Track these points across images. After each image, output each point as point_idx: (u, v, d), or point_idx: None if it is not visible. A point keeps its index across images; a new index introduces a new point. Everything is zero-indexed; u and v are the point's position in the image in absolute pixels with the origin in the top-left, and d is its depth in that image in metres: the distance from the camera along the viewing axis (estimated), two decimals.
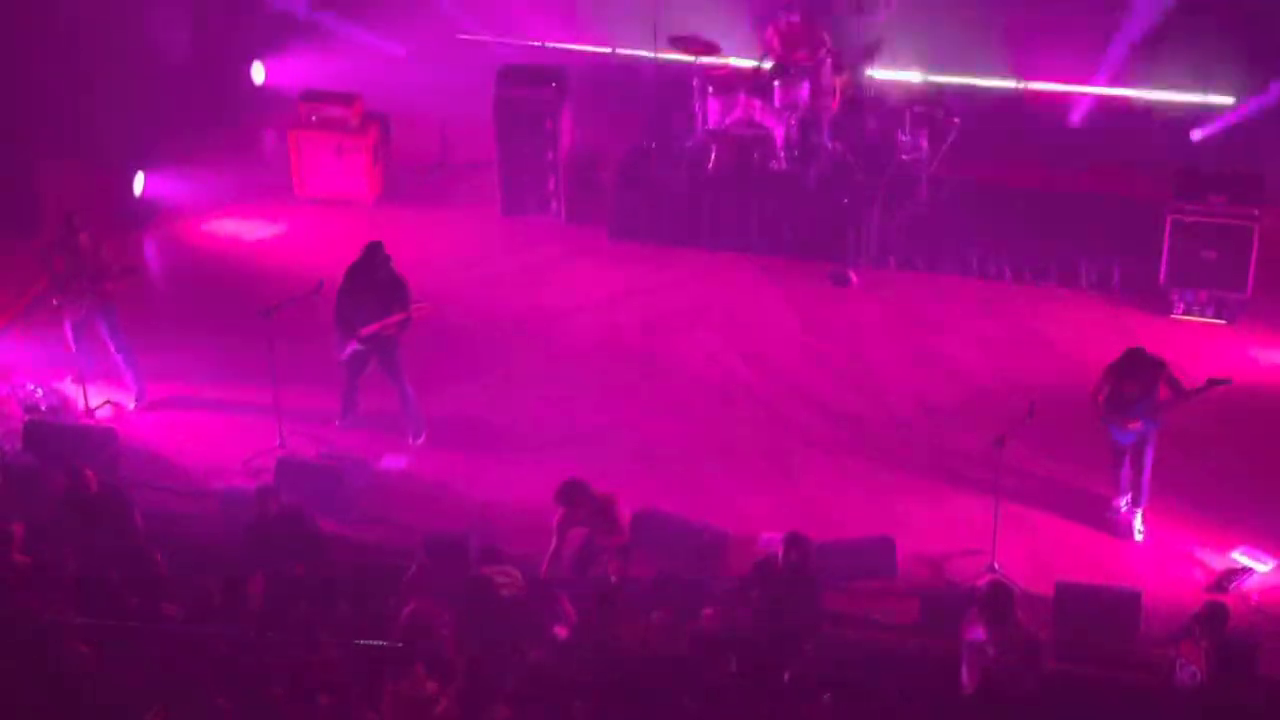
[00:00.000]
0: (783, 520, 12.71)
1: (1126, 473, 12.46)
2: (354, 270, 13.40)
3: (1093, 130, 16.82)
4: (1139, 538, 12.45)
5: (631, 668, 10.20)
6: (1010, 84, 17.08)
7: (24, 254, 15.79)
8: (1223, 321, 14.77)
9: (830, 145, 16.20)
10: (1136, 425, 12.19)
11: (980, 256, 15.60)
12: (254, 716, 9.74)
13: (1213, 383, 12.04)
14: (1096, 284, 15.32)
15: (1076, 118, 17.03)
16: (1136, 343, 14.47)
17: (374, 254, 13.31)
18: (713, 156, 16.16)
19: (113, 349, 14.04)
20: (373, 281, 13.29)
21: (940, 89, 16.95)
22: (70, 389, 14.18)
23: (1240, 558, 12.28)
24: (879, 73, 16.67)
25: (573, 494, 11.71)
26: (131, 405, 14.15)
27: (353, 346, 13.42)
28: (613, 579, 11.59)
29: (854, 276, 15.61)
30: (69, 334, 13.94)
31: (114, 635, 10.37)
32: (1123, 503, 12.57)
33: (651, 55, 17.19)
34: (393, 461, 13.57)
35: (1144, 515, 12.49)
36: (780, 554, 11.23)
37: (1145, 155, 16.23)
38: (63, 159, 16.85)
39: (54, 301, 13.88)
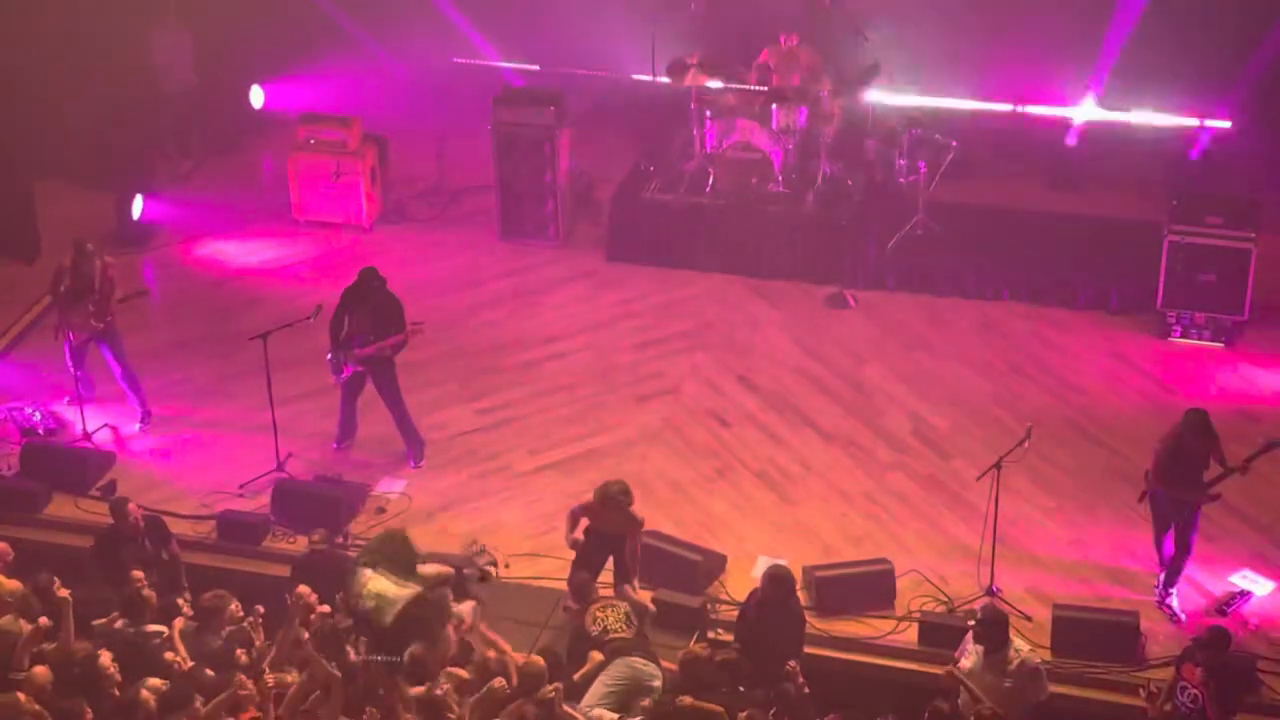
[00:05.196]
0: (780, 544, 12.75)
1: (1168, 549, 11.98)
2: (349, 294, 13.41)
3: (1090, 152, 16.85)
4: (1184, 618, 11.93)
5: None
6: (1007, 107, 17.12)
7: (23, 277, 15.84)
8: (1220, 344, 14.76)
9: (828, 168, 16.23)
10: (1186, 496, 11.75)
11: (977, 279, 15.62)
12: None
13: (1270, 445, 11.63)
14: (1093, 306, 15.33)
15: (1074, 140, 17.06)
16: (1134, 366, 14.60)
17: (369, 278, 13.32)
18: (710, 180, 16.19)
19: (117, 372, 14.03)
20: (367, 305, 13.30)
21: (937, 112, 16.97)
22: (68, 412, 14.17)
23: (1239, 581, 12.27)
24: (876, 96, 16.69)
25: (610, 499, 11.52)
26: (136, 428, 14.13)
27: (350, 369, 13.43)
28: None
29: (851, 299, 15.63)
30: (68, 356, 13.92)
31: None
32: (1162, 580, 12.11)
33: (650, 78, 17.24)
34: (390, 484, 13.55)
35: (1178, 593, 12.06)
36: (761, 588, 11.15)
37: (1143, 177, 16.26)
38: (62, 182, 16.92)
39: (56, 320, 13.87)
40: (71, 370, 13.94)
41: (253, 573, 12.58)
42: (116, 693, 9.93)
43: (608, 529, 11.64)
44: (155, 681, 9.94)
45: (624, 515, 11.55)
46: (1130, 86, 16.59)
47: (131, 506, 11.97)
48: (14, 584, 11.05)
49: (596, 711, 10.21)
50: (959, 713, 10.21)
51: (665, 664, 10.65)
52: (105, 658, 10.07)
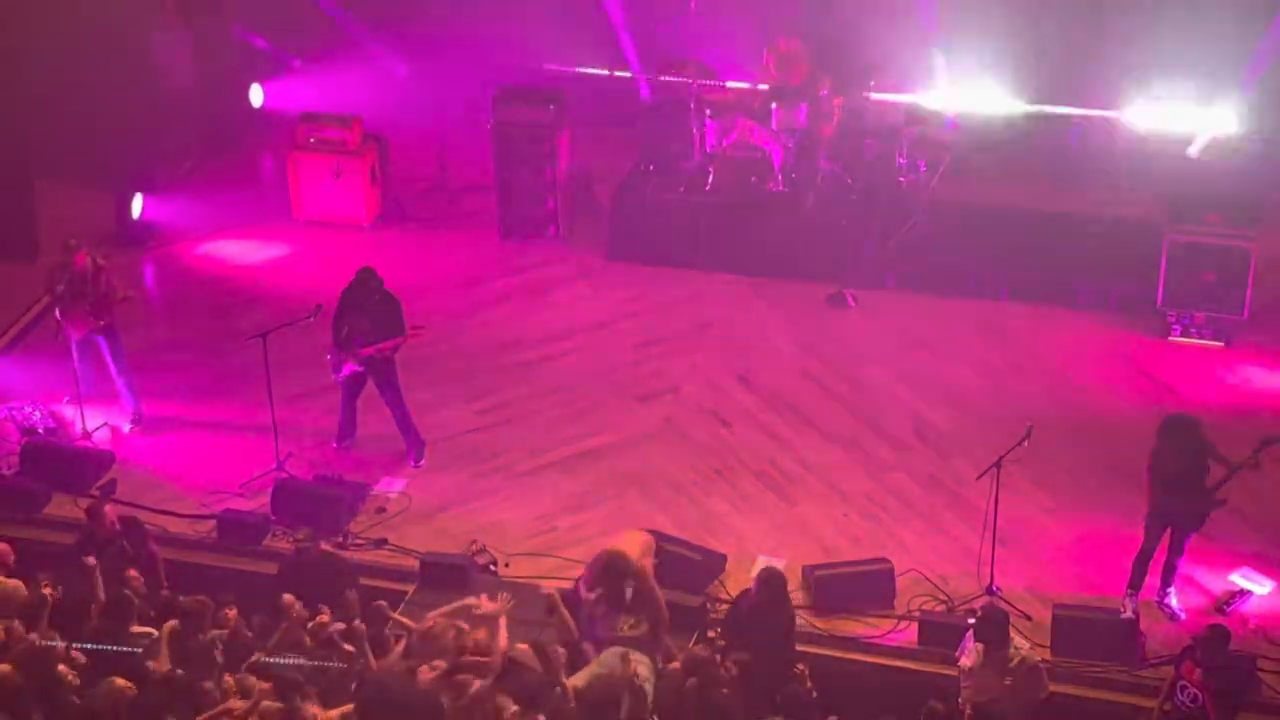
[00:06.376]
0: (780, 544, 12.75)
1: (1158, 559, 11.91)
2: (347, 295, 13.42)
3: (1091, 151, 16.85)
4: (1184, 617, 11.96)
5: None
6: (1007, 106, 17.12)
7: (22, 277, 15.84)
8: (1220, 344, 14.77)
9: (828, 167, 16.23)
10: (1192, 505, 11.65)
11: (977, 278, 15.62)
12: None
13: (1266, 442, 11.58)
14: (1094, 305, 15.33)
15: (1074, 139, 17.05)
16: (1134, 366, 14.60)
17: (366, 279, 13.33)
18: (710, 179, 16.19)
19: (114, 371, 14.03)
20: (366, 306, 13.30)
21: (938, 111, 16.98)
22: (68, 411, 14.17)
23: (1239, 580, 12.28)
24: (876, 95, 16.69)
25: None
26: (127, 428, 14.13)
27: (350, 368, 13.43)
28: None
29: (851, 299, 15.63)
30: (74, 353, 13.92)
31: None
32: (1131, 597, 11.92)
33: (650, 77, 17.25)
34: (390, 484, 13.56)
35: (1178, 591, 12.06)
36: (754, 590, 11.11)
37: (1143, 176, 16.26)
38: (61, 181, 16.91)
39: (56, 317, 13.87)
40: (75, 368, 13.94)
41: (253, 572, 12.57)
42: (76, 700, 9.81)
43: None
44: (121, 683, 9.74)
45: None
46: (1131, 86, 16.60)
47: (107, 509, 11.94)
48: (15, 584, 11.04)
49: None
50: (955, 713, 10.22)
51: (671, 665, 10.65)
52: (64, 666, 9.93)
